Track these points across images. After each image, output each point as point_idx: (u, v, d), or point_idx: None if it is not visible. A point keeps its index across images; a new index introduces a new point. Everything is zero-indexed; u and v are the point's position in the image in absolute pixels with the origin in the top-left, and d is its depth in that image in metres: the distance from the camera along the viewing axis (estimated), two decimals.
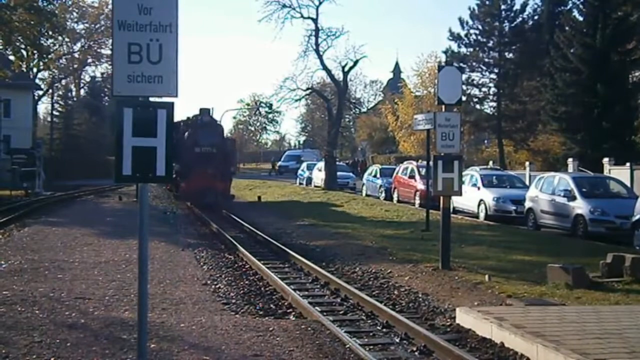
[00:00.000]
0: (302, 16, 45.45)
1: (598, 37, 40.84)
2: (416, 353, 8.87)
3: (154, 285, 12.17)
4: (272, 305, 11.67)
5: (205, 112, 33.85)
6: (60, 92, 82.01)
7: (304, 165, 53.90)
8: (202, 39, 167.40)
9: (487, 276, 13.79)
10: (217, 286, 12.93)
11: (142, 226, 6.53)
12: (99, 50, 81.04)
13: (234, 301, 11.74)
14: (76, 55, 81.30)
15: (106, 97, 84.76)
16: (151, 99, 6.56)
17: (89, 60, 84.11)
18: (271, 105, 67.79)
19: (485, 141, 67.78)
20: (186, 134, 32.50)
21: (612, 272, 13.46)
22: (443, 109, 15.35)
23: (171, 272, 14.04)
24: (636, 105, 41.24)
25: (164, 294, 11.80)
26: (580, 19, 45.80)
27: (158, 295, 11.52)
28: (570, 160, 36.94)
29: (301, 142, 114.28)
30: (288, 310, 11.36)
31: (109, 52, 63.63)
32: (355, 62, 47.06)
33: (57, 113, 79.22)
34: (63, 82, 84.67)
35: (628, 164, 31.12)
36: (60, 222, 23.36)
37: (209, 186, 30.48)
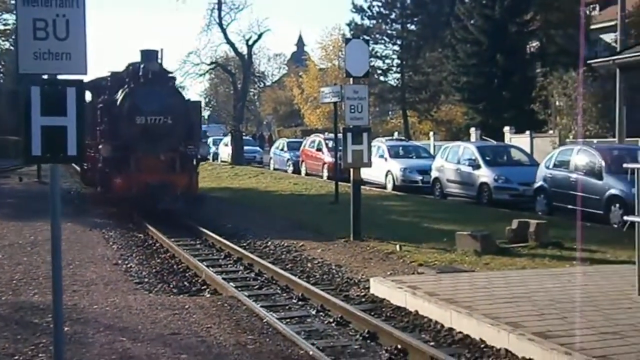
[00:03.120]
0: None
1: (497, 8, 41.69)
2: (333, 324, 8.96)
3: (63, 267, 11.69)
4: (186, 283, 11.60)
5: (151, 55, 19.95)
6: None
7: (210, 140, 53.19)
8: (110, 14, 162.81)
9: (398, 246, 14.01)
10: (129, 265, 12.74)
11: (55, 207, 6.34)
12: None
13: (146, 280, 11.61)
14: None
15: (0, 74, 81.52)
16: (60, 77, 6.35)
17: None
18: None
19: (390, 112, 68.54)
20: (119, 94, 19.76)
21: (517, 237, 13.92)
22: (351, 82, 15.46)
23: (80, 252, 13.70)
24: (534, 75, 42.35)
25: (74, 275, 11.53)
26: None
27: (68, 277, 11.21)
28: (472, 129, 37.76)
29: (206, 117, 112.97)
30: (202, 287, 11.32)
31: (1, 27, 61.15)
32: (260, 36, 47.13)
33: None
34: None
35: (528, 132, 32.04)
36: None
37: (162, 181, 18.49)
